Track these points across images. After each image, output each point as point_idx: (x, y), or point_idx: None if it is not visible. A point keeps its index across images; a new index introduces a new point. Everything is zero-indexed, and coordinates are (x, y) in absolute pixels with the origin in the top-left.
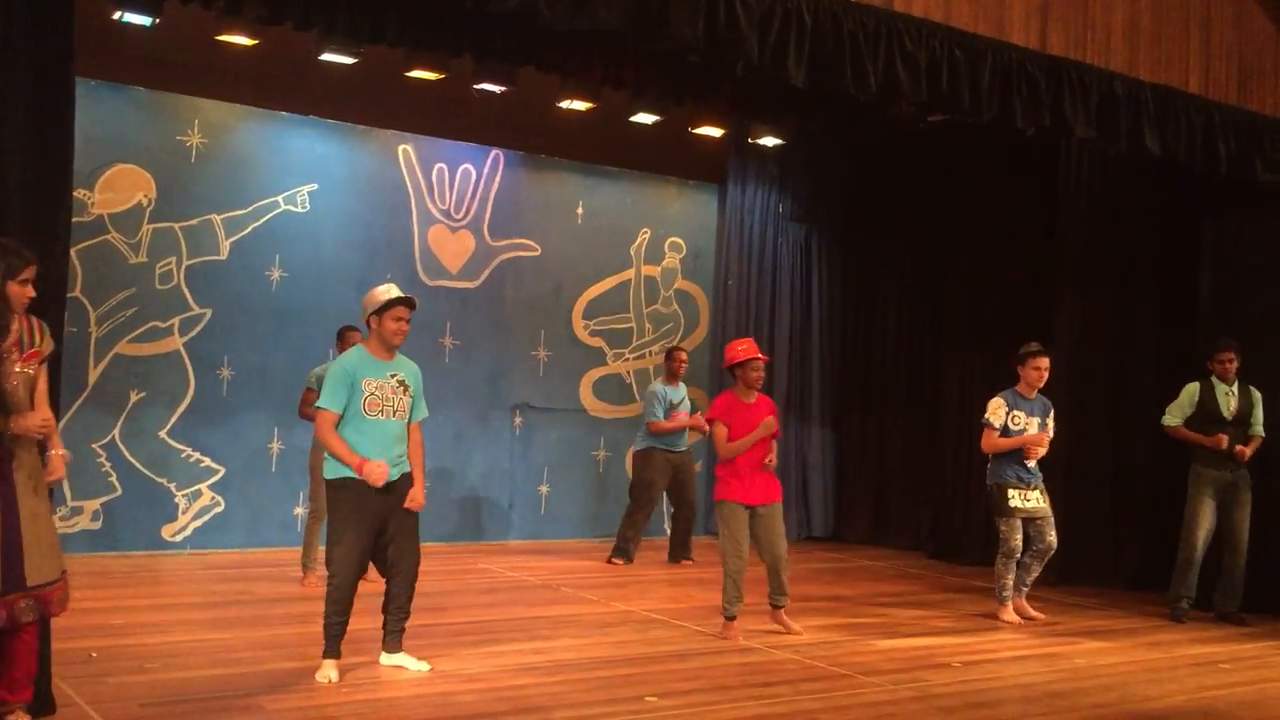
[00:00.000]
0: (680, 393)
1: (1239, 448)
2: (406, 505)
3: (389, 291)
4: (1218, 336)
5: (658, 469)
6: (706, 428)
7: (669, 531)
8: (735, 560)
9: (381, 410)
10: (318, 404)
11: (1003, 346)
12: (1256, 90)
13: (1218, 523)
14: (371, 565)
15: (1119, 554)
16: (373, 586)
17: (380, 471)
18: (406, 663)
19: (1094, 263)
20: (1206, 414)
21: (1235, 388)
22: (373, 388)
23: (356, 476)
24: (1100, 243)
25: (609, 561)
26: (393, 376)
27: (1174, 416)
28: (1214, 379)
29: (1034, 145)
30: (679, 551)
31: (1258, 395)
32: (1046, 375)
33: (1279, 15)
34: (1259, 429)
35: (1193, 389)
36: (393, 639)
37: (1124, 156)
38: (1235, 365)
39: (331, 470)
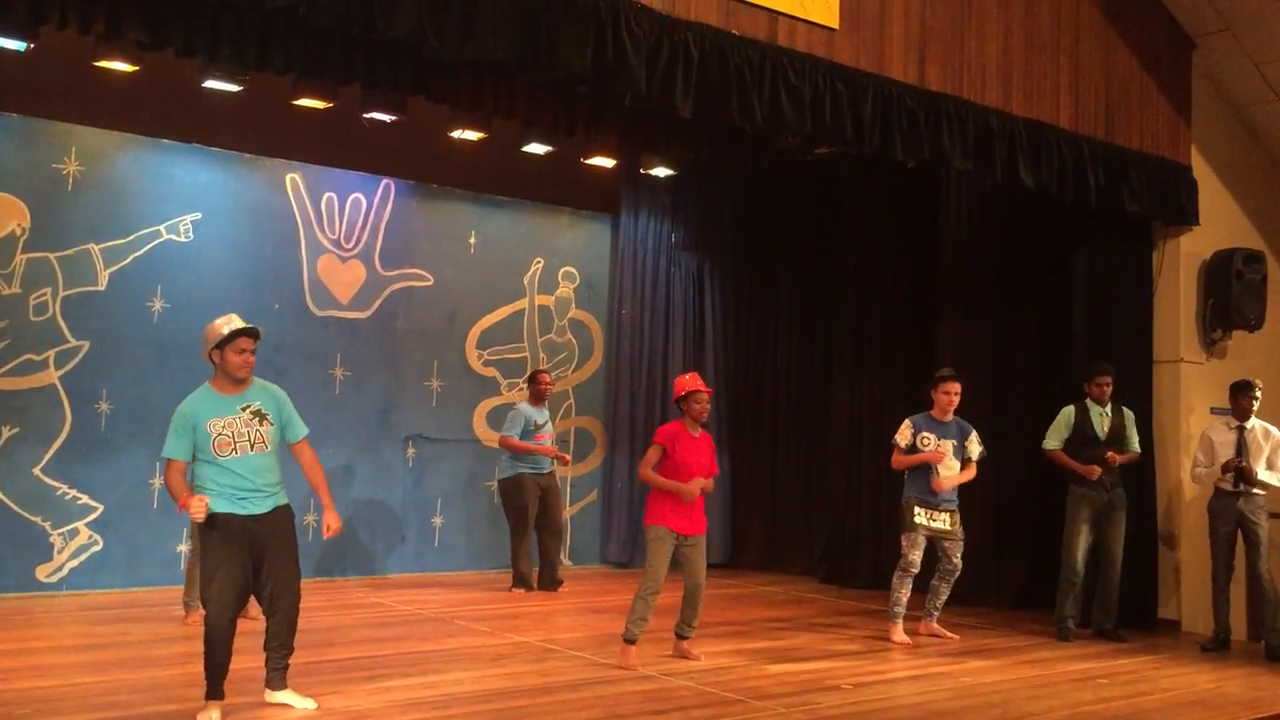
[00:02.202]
0: (545, 415)
1: (1110, 454)
2: (324, 534)
3: (229, 323)
4: (1095, 361)
5: (528, 492)
6: (567, 459)
7: (539, 557)
8: (651, 581)
9: (234, 447)
10: (163, 453)
11: (890, 373)
12: (1123, 125)
13: (1097, 544)
14: (253, 602)
15: (1002, 574)
16: (254, 624)
17: (199, 506)
18: (292, 700)
19: (974, 291)
20: (1082, 435)
21: (1109, 409)
22: (219, 427)
23: (222, 513)
24: (980, 271)
25: (510, 590)
26: (245, 409)
27: (1053, 440)
28: (1089, 401)
29: (916, 177)
30: (549, 579)
31: (1130, 415)
32: (957, 400)
33: (1144, 54)
34: (1135, 446)
35: (1069, 412)
36: (276, 676)
37: (1000, 188)
38: (1111, 388)
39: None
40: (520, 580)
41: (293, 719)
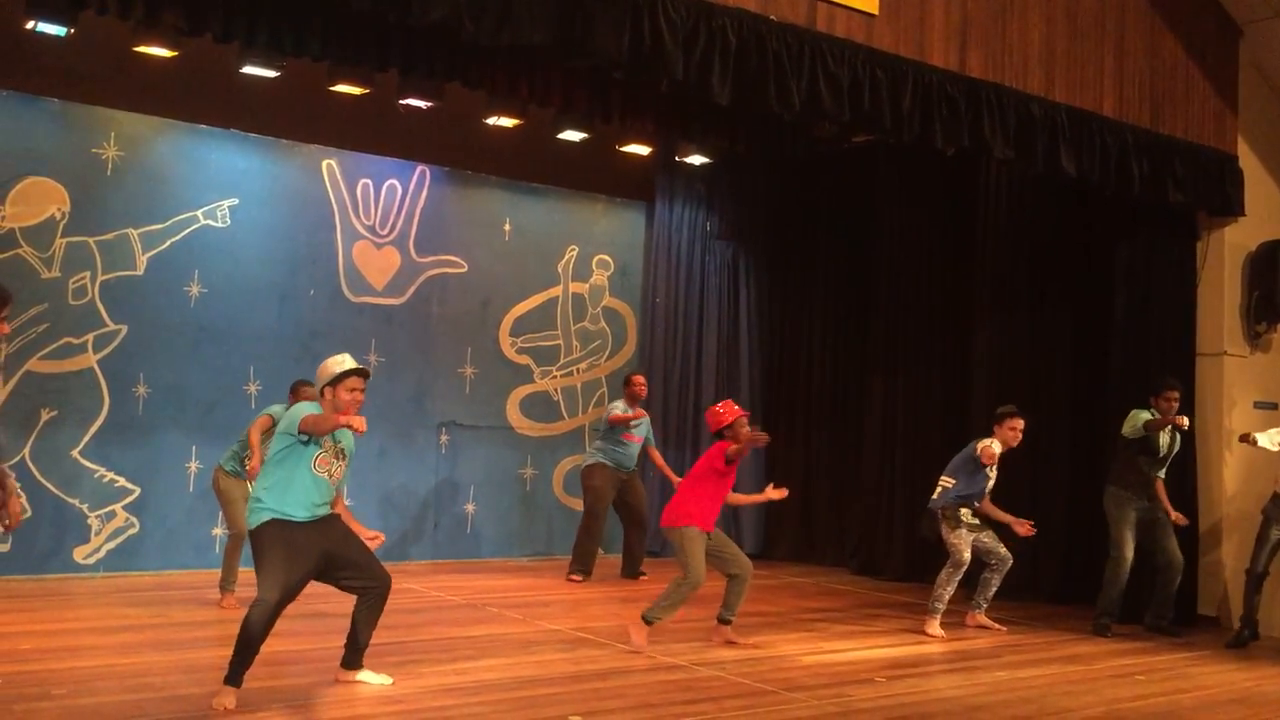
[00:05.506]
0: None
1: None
2: (373, 546)
3: (343, 363)
4: (1165, 375)
5: (605, 480)
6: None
7: (623, 549)
8: (695, 575)
9: (327, 472)
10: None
11: (925, 364)
12: (1168, 114)
13: (1146, 546)
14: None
15: (1038, 569)
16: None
17: (359, 421)
18: (369, 678)
19: (1013, 283)
20: (1144, 446)
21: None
22: (325, 448)
23: (281, 518)
24: (1019, 263)
25: (569, 578)
26: (337, 444)
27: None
28: (1154, 414)
29: (955, 166)
30: (632, 568)
31: (1178, 440)
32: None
33: (1190, 42)
34: (1162, 472)
35: (1143, 415)
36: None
37: (1041, 178)
38: (1178, 405)
39: (255, 517)
40: (578, 565)
41: (325, 702)
